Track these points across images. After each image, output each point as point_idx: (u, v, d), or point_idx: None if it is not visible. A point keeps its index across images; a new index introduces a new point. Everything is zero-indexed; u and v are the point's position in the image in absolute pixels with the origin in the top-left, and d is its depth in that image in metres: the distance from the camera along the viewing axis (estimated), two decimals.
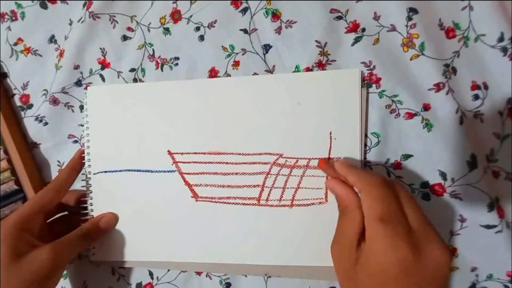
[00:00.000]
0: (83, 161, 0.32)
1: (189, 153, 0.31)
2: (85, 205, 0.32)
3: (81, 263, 0.34)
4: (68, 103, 0.35)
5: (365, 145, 0.29)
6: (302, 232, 0.29)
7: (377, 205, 0.22)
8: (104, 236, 0.31)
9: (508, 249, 0.27)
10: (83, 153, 0.32)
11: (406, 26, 0.28)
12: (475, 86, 0.28)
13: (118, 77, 0.34)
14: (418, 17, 0.28)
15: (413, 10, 0.28)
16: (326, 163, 0.27)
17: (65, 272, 0.34)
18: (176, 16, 0.33)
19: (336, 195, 0.26)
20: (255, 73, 0.31)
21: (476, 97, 0.27)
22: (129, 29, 0.34)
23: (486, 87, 0.27)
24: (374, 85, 0.29)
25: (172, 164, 0.31)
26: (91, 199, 0.32)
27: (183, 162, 0.31)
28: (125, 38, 0.34)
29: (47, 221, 0.31)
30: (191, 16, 0.32)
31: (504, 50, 0.27)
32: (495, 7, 0.27)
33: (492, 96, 0.27)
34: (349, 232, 0.23)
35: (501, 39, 0.26)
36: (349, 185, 0.25)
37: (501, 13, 0.26)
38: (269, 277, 0.31)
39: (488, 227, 0.27)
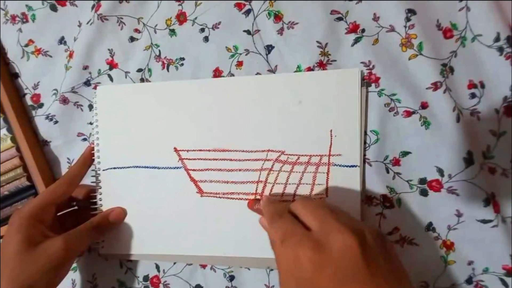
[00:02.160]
0: (93, 157, 0.34)
1: (195, 150, 0.32)
2: (94, 200, 0.33)
3: (91, 256, 0.35)
4: (77, 102, 0.36)
5: (365, 142, 0.29)
6: None
7: (275, 233, 0.23)
8: (113, 230, 0.33)
9: (503, 243, 0.27)
10: (93, 149, 0.34)
11: (405, 26, 0.29)
12: (472, 85, 0.28)
13: (126, 77, 0.35)
14: (416, 18, 0.29)
15: (411, 11, 0.29)
16: (253, 203, 0.30)
17: (75, 265, 0.36)
18: (181, 18, 0.34)
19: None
20: (258, 73, 0.32)
21: (473, 95, 0.28)
22: (136, 30, 0.35)
23: (482, 85, 0.28)
24: (373, 84, 0.30)
25: (178, 161, 0.32)
26: (100, 194, 0.33)
27: (189, 159, 0.32)
28: (132, 39, 0.35)
29: (58, 214, 0.32)
30: (196, 18, 0.33)
31: (500, 49, 0.27)
32: (491, 8, 0.27)
33: (488, 95, 0.28)
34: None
35: (497, 39, 0.27)
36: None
37: (498, 13, 0.27)
38: (272, 270, 0.32)
39: (484, 221, 0.28)
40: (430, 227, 0.29)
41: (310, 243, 0.21)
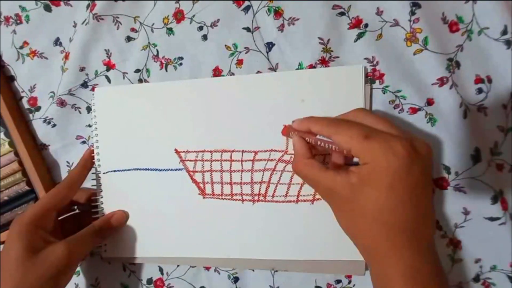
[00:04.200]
0: (93, 160, 0.33)
1: (196, 151, 0.31)
2: (96, 204, 0.33)
3: (93, 260, 0.35)
4: (75, 104, 0.35)
5: None
6: (308, 226, 0.29)
7: (352, 131, 0.22)
8: (115, 233, 0.32)
9: (511, 240, 0.27)
10: (93, 152, 0.33)
11: (409, 20, 0.28)
12: (478, 80, 0.28)
13: (124, 78, 0.34)
14: (421, 12, 0.28)
15: (416, 5, 0.28)
16: (288, 128, 0.28)
17: (78, 268, 0.35)
18: (179, 16, 0.33)
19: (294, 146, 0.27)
20: (258, 71, 0.31)
21: (479, 90, 0.28)
22: (133, 30, 0.34)
23: (489, 80, 0.27)
24: (377, 81, 0.29)
25: (179, 163, 0.32)
26: (101, 197, 0.33)
27: (190, 160, 0.31)
28: (129, 39, 0.34)
29: (58, 218, 0.32)
30: (193, 15, 0.32)
31: (508, 43, 0.26)
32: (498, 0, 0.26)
33: (496, 89, 0.27)
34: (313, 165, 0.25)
35: (504, 32, 0.26)
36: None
37: (505, 6, 0.26)
38: (276, 271, 0.31)
39: (492, 219, 0.27)
40: (437, 224, 0.29)
41: (401, 140, 0.21)
